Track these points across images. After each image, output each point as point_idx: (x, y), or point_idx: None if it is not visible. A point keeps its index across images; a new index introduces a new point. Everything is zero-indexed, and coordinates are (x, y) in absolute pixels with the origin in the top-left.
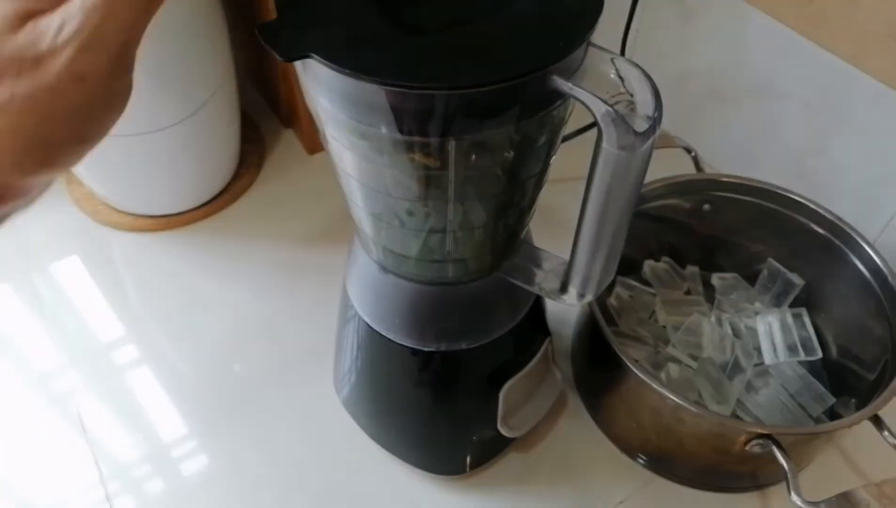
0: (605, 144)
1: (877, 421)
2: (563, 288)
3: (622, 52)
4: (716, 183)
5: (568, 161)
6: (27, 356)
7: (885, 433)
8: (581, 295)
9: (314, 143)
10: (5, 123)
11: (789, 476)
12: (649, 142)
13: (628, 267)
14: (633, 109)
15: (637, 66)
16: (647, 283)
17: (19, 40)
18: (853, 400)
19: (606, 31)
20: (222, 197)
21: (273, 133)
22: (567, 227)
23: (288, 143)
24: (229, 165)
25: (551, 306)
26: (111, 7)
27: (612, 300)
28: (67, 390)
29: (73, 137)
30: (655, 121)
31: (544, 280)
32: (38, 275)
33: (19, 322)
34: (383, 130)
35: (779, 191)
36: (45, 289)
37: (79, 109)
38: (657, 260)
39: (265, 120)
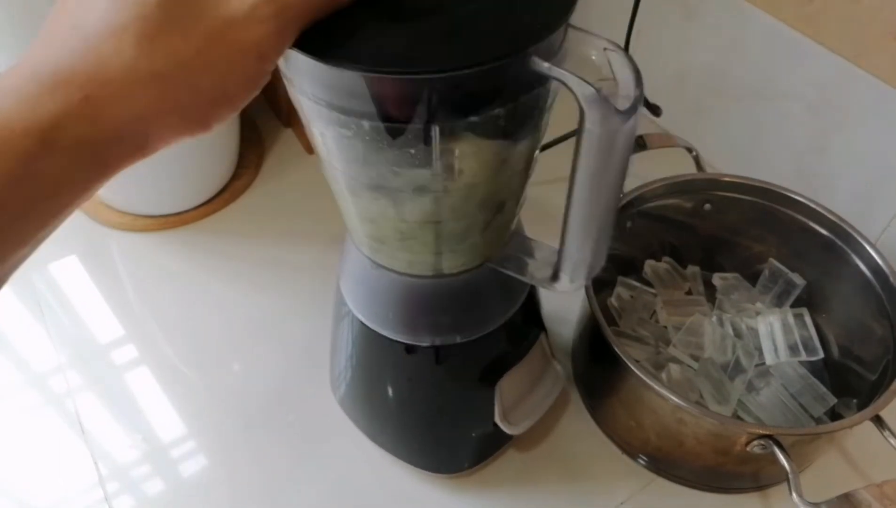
0: (587, 125)
1: (878, 422)
2: (555, 276)
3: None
4: (717, 183)
5: (567, 161)
6: (26, 356)
7: (887, 433)
8: (572, 281)
9: (313, 142)
10: (187, 77)
11: (790, 476)
12: (632, 120)
13: (629, 267)
14: (613, 89)
15: (618, 46)
16: (648, 283)
17: None
18: (854, 401)
19: (608, 30)
20: (221, 197)
21: (272, 133)
22: (561, 223)
23: (287, 142)
24: (228, 165)
25: (551, 307)
26: None
27: (612, 300)
28: (66, 390)
29: (232, 104)
30: (637, 99)
31: (536, 270)
32: (37, 275)
33: (18, 322)
34: (365, 119)
35: (780, 190)
36: (44, 289)
37: (250, 78)
38: (658, 260)
39: (264, 119)
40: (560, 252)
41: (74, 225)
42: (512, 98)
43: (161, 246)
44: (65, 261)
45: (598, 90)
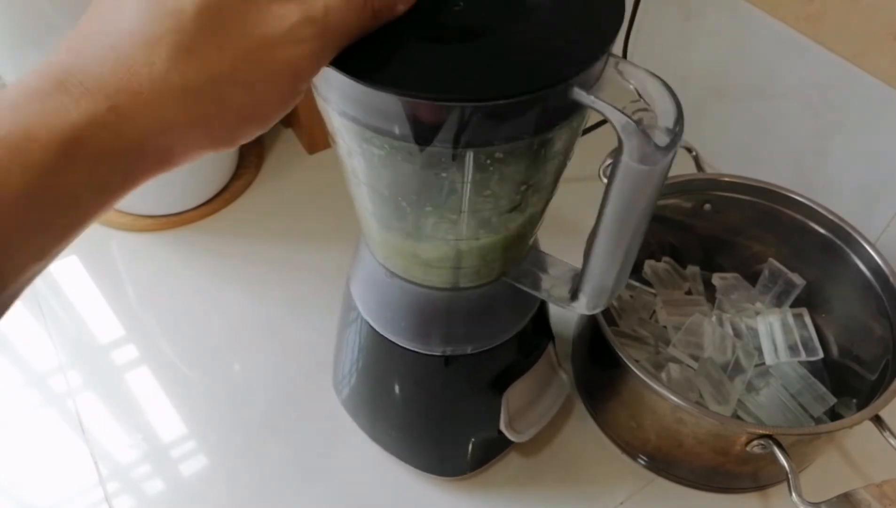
0: (625, 158)
1: (878, 421)
2: (574, 296)
3: (624, 53)
4: (716, 183)
5: (573, 162)
6: (26, 356)
7: (887, 433)
8: (593, 305)
9: (313, 142)
10: (218, 92)
11: (790, 476)
12: (670, 156)
13: None
14: (652, 121)
15: (657, 77)
16: (647, 283)
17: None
18: (854, 400)
19: None
20: (221, 197)
21: (272, 133)
22: (569, 227)
23: (287, 142)
24: (228, 165)
25: (552, 307)
26: (346, 18)
27: (612, 300)
28: (66, 390)
29: (262, 122)
30: (677, 135)
31: (553, 287)
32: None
33: (18, 322)
34: (398, 139)
35: (779, 191)
36: (44, 289)
37: (283, 97)
38: (658, 260)
39: None
40: (582, 275)
41: None
42: (549, 126)
43: (161, 246)
44: (65, 261)
45: (638, 124)
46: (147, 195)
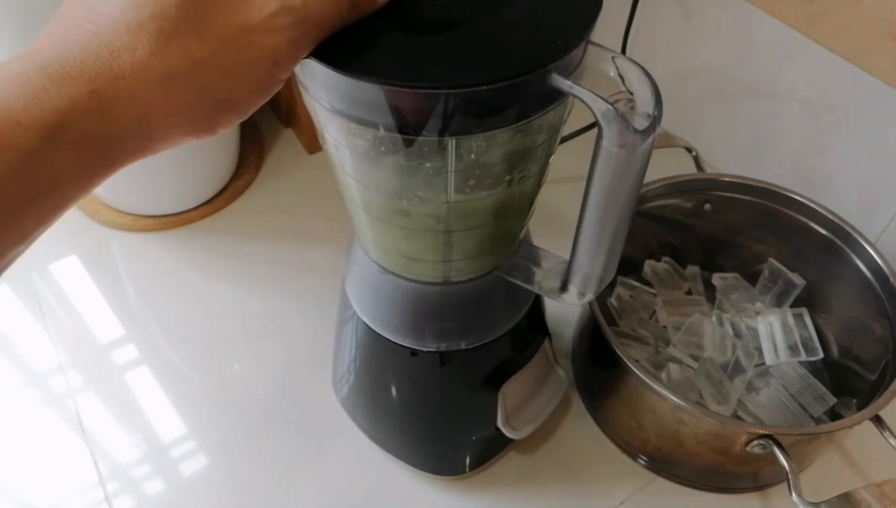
0: (605, 143)
1: (878, 421)
2: (564, 287)
3: (623, 51)
4: (716, 183)
5: (568, 161)
6: (26, 356)
7: (887, 433)
8: (581, 294)
9: (313, 142)
10: (198, 79)
11: (790, 476)
12: (650, 140)
13: (629, 267)
14: (632, 108)
15: (637, 64)
16: (647, 283)
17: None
18: (854, 400)
19: (607, 30)
20: (222, 197)
21: (272, 132)
22: (567, 226)
23: (287, 142)
24: (229, 165)
25: (551, 307)
26: (324, 8)
27: (612, 300)
28: (66, 390)
29: (241, 109)
30: (655, 119)
31: (544, 279)
32: (37, 275)
33: (18, 322)
34: (382, 129)
35: (780, 191)
36: (44, 289)
37: (261, 85)
38: (658, 260)
39: (264, 119)
40: (570, 265)
41: (74, 225)
42: (530, 113)
43: (161, 246)
44: (65, 261)
45: (616, 109)
46: (147, 195)
